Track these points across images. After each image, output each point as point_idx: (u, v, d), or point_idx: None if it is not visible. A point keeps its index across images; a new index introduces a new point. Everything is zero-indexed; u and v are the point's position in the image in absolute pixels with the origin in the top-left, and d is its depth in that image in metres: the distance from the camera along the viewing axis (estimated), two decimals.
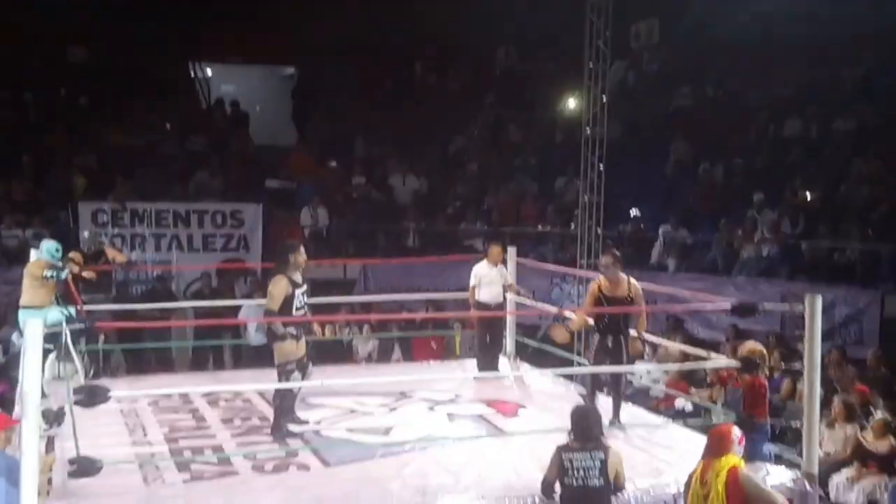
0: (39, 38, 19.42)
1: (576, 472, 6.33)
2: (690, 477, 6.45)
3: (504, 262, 11.01)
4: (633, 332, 8.85)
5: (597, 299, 8.75)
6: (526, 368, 11.26)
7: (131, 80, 19.47)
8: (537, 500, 6.79)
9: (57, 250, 9.56)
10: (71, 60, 20.37)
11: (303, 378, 8.29)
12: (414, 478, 7.24)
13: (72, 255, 9.80)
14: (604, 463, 6.34)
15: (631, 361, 9.02)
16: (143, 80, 19.60)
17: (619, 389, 9.00)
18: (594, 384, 9.03)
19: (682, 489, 7.06)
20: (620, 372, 8.87)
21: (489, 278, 10.65)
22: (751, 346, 8.18)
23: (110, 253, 10.79)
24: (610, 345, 8.69)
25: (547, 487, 6.54)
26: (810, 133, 17.66)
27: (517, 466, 7.47)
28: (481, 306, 10.69)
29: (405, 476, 7.28)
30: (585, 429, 6.46)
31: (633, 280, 8.77)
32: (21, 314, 9.30)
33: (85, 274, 9.48)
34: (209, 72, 22.58)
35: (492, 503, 6.79)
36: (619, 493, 6.55)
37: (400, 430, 8.61)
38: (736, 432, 6.38)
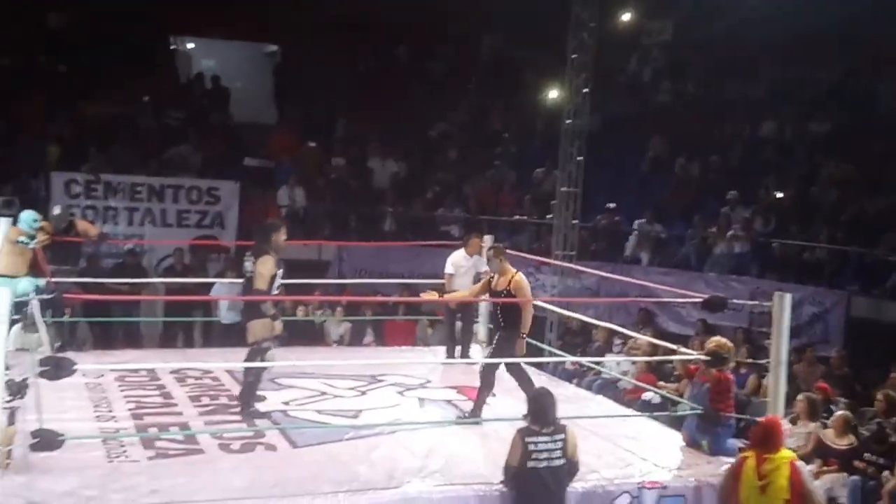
0: (19, 1, 19.17)
1: (540, 454, 6.44)
2: (737, 469, 6.62)
3: (479, 251, 11.08)
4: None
5: (483, 288, 8.88)
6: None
7: (111, 50, 19.22)
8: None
9: (35, 220, 9.47)
10: (50, 26, 20.08)
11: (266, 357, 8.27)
12: (382, 461, 7.23)
13: (42, 224, 9.71)
14: (564, 443, 6.50)
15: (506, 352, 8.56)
16: (122, 50, 19.35)
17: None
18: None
19: (646, 480, 7.13)
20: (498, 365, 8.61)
21: (465, 268, 10.71)
22: (718, 340, 8.25)
23: (81, 225, 10.67)
24: (496, 337, 8.68)
25: (511, 472, 6.57)
26: (785, 133, 17.81)
27: (485, 453, 7.48)
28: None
29: (373, 459, 7.28)
30: (543, 412, 6.55)
31: (519, 276, 8.56)
32: None
33: (40, 237, 9.37)
34: (190, 45, 22.35)
35: (459, 489, 6.79)
36: (576, 467, 6.66)
37: (369, 413, 8.61)
38: (785, 425, 6.64)
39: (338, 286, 15.38)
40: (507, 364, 8.49)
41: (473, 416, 8.44)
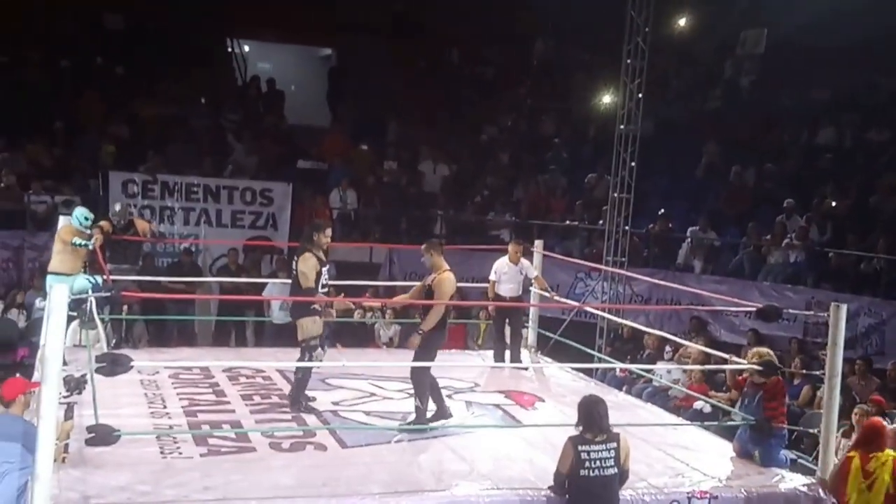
0: (76, 2, 19.53)
1: (592, 463, 6.39)
2: (844, 470, 6.98)
3: (530, 254, 11.15)
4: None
5: (421, 289, 8.64)
6: (546, 362, 11.26)
7: (167, 52, 19.52)
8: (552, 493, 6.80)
9: (86, 218, 9.62)
10: (107, 28, 20.44)
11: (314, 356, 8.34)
12: (429, 464, 7.26)
13: (101, 223, 9.88)
14: (617, 451, 6.43)
15: (421, 354, 8.18)
16: (179, 52, 19.65)
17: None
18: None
19: (696, 489, 7.07)
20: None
21: (508, 275, 10.78)
22: (759, 351, 8.25)
23: (140, 224, 10.86)
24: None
25: (561, 480, 6.55)
26: (844, 142, 17.54)
27: (533, 458, 7.49)
28: (498, 300, 10.82)
29: (420, 462, 7.31)
30: (595, 419, 6.49)
31: (443, 275, 8.30)
32: (48, 279, 9.38)
33: (97, 235, 9.51)
34: (246, 48, 22.62)
35: (506, 493, 6.79)
36: (627, 475, 6.59)
37: None
38: (889, 426, 7.05)
39: (388, 288, 15.45)
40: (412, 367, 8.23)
41: (431, 420, 8.18)
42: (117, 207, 10.81)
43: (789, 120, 18.62)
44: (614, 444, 6.44)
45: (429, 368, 8.24)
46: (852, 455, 7.01)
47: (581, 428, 6.53)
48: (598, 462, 6.38)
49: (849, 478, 6.88)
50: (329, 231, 8.62)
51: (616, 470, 6.42)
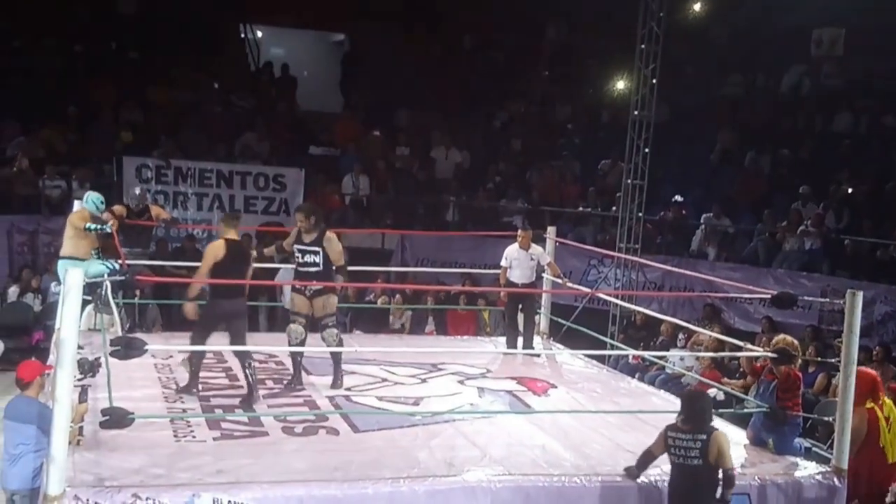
0: None
1: (677, 450, 6.61)
2: (872, 420, 7.51)
3: (543, 240, 11.15)
4: None
5: None
6: (559, 348, 11.24)
7: (181, 37, 19.51)
8: (564, 479, 6.83)
9: (102, 202, 9.64)
10: (121, 13, 20.45)
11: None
12: (441, 449, 7.27)
13: (116, 208, 9.90)
14: (704, 444, 6.52)
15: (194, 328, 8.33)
16: (192, 37, 19.63)
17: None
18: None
19: None
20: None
21: (519, 261, 10.78)
22: (785, 338, 8.14)
23: (154, 210, 10.88)
24: None
25: (645, 458, 6.90)
26: (860, 127, 17.40)
27: (545, 444, 7.50)
28: (510, 286, 10.84)
29: (432, 447, 7.32)
30: (691, 412, 6.67)
31: (212, 243, 8.59)
32: (61, 264, 9.40)
33: (111, 220, 9.54)
34: (259, 34, 22.60)
35: (518, 479, 6.79)
36: (728, 475, 6.56)
37: (430, 401, 8.65)
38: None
39: (399, 274, 15.47)
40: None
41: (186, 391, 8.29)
42: (137, 191, 10.88)
43: (805, 105, 18.48)
44: (703, 437, 6.54)
45: (199, 344, 8.33)
46: (871, 406, 7.48)
47: (681, 417, 6.71)
48: (682, 450, 6.58)
49: (879, 427, 7.40)
50: (299, 215, 8.92)
51: (701, 462, 6.51)
